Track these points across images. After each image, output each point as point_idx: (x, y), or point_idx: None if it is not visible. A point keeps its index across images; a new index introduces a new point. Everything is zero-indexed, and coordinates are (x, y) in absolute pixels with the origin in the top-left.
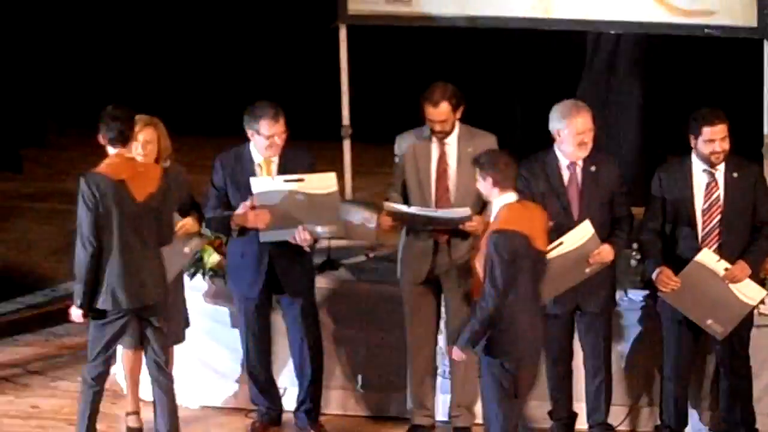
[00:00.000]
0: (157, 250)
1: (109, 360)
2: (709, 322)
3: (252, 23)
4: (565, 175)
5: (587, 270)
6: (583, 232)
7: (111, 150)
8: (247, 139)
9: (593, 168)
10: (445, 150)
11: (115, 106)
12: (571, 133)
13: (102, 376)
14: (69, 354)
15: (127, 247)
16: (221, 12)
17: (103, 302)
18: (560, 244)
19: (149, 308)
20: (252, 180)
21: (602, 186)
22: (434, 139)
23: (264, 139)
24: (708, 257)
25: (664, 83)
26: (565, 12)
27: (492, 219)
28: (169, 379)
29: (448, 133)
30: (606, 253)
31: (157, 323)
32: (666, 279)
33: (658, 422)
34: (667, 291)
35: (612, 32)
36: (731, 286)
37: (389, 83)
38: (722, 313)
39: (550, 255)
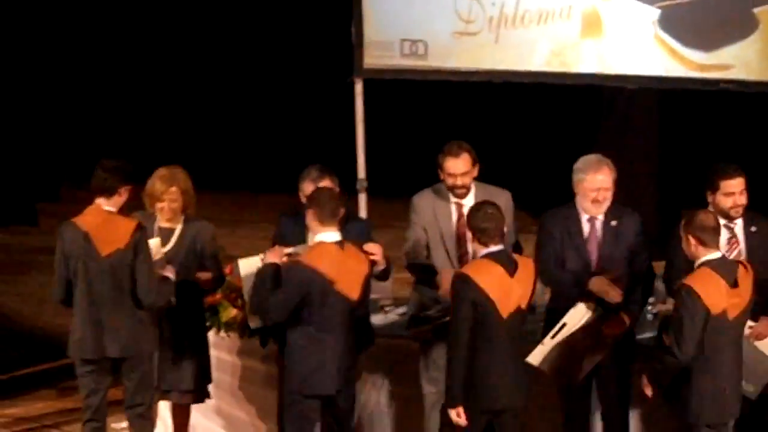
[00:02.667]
0: (132, 306)
1: (100, 413)
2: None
3: (269, 79)
4: (586, 228)
5: (609, 341)
6: (581, 313)
7: (97, 199)
8: None
9: (614, 222)
10: (463, 212)
11: (110, 160)
12: (587, 188)
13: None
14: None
15: (93, 299)
16: (237, 69)
17: (71, 350)
18: (563, 325)
19: (123, 362)
20: (239, 261)
21: (623, 240)
22: (452, 201)
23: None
24: None
25: (679, 137)
26: (582, 66)
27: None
28: None
29: (467, 190)
30: (620, 324)
31: (135, 377)
32: None
33: None
34: None
35: (628, 86)
36: (756, 343)
37: (405, 137)
38: (751, 371)
39: (558, 338)
